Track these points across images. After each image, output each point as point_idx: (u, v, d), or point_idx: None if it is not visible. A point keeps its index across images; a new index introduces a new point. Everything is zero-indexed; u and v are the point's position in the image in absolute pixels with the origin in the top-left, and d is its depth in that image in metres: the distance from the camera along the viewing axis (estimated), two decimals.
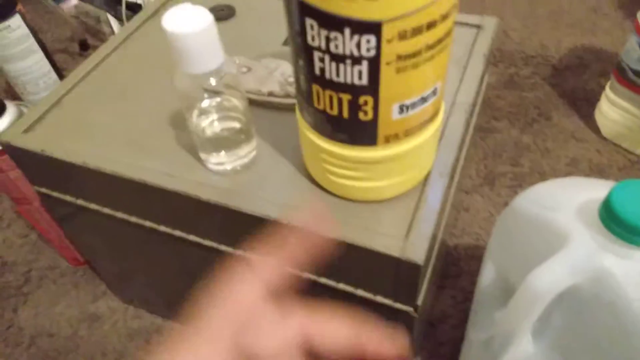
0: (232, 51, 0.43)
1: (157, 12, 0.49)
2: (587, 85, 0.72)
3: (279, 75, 0.39)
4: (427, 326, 0.50)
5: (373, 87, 0.25)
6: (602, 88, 0.65)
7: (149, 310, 0.54)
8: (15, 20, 0.63)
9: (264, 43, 0.43)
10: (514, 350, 0.34)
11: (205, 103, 0.32)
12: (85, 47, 0.85)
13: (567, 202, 0.33)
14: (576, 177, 0.44)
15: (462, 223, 0.58)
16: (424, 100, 0.26)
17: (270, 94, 0.38)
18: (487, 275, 0.40)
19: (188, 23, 0.27)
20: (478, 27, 0.42)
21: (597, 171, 0.62)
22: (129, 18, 0.73)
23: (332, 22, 0.23)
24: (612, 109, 0.62)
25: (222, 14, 0.47)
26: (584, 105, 0.69)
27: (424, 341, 0.49)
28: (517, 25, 0.84)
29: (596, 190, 0.32)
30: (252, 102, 0.39)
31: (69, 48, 0.87)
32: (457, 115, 0.36)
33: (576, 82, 0.73)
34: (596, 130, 0.66)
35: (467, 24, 0.42)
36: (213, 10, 0.48)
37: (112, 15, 0.75)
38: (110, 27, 0.78)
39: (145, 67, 0.43)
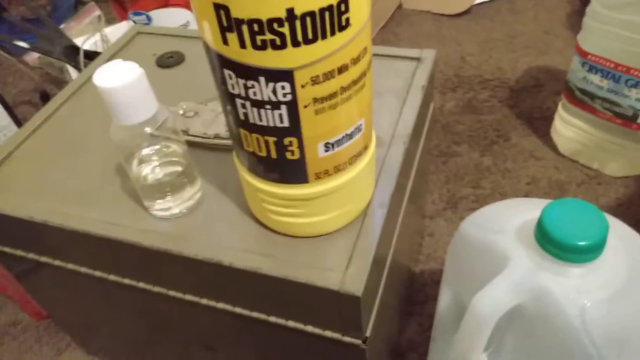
0: (181, 96, 0.44)
1: (110, 60, 0.50)
2: (543, 105, 0.75)
3: (224, 118, 0.40)
4: (394, 355, 0.50)
5: (295, 128, 0.25)
6: (557, 107, 0.67)
7: None
8: None
9: (211, 87, 0.44)
10: None
11: (145, 151, 0.32)
12: (45, 98, 0.86)
13: (507, 224, 0.34)
14: (519, 198, 0.45)
15: (426, 248, 0.59)
16: (349, 137, 0.27)
17: (216, 136, 0.39)
18: (444, 300, 0.41)
19: (117, 77, 0.28)
20: (417, 59, 0.44)
21: (557, 188, 0.63)
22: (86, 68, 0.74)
23: (248, 72, 0.24)
24: (566, 127, 0.64)
25: (172, 61, 0.48)
26: (541, 124, 0.71)
27: None
28: (474, 50, 0.87)
29: (535, 210, 0.33)
30: (199, 145, 0.39)
31: (33, 99, 0.88)
32: (397, 146, 0.37)
33: (533, 102, 0.75)
34: (554, 147, 0.68)
35: (406, 57, 0.44)
36: (163, 57, 0.49)
37: (72, 66, 0.76)
38: (70, 77, 0.79)
39: (96, 117, 0.44)
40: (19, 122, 0.71)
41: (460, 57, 0.86)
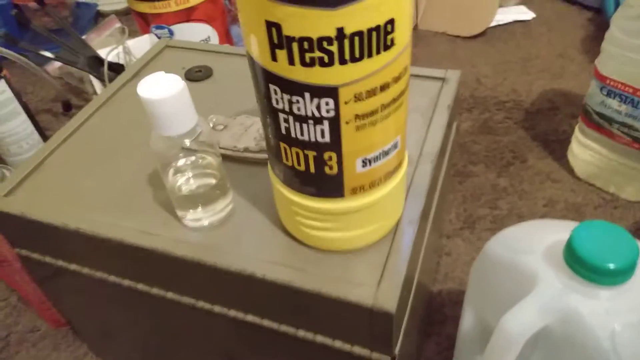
0: (210, 110, 0.45)
1: (139, 73, 0.51)
2: (559, 127, 0.75)
3: (254, 131, 0.41)
4: None
5: (335, 144, 0.26)
6: (573, 130, 0.67)
7: None
8: (1, 85, 0.65)
9: (239, 101, 0.45)
10: None
11: (181, 162, 0.33)
12: (68, 108, 0.87)
13: (535, 244, 0.34)
14: (544, 219, 0.45)
15: (444, 268, 0.59)
16: (385, 153, 0.28)
17: (246, 149, 0.40)
18: (467, 320, 0.41)
19: (161, 89, 0.29)
20: (442, 79, 0.44)
21: (574, 210, 0.63)
22: (111, 79, 0.75)
23: (293, 88, 0.24)
24: (582, 150, 0.65)
25: (200, 75, 0.49)
26: (557, 147, 0.72)
27: None
28: (488, 72, 0.88)
29: (562, 231, 0.33)
30: (229, 158, 0.40)
31: (53, 108, 0.89)
32: (424, 164, 0.37)
33: (548, 125, 0.76)
34: (570, 170, 0.68)
35: (432, 77, 0.45)
36: (191, 71, 0.50)
37: (95, 77, 0.77)
38: (93, 87, 0.81)
39: (126, 127, 0.45)
40: (41, 131, 0.72)
41: (475, 78, 0.87)
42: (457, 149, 0.73)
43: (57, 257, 0.40)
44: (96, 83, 0.79)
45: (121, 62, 0.81)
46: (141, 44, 0.82)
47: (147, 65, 0.52)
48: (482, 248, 0.57)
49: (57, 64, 0.91)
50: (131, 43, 0.84)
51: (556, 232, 0.34)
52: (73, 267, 0.40)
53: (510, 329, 0.31)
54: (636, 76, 0.54)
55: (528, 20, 1.00)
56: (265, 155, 0.39)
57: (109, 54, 0.76)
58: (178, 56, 0.53)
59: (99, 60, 0.79)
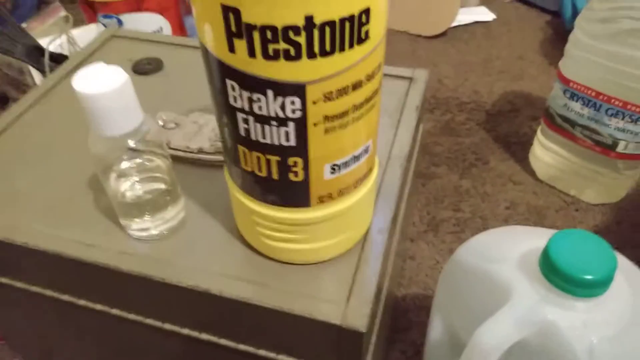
0: (159, 106, 0.41)
1: (80, 65, 0.47)
2: (520, 130, 0.75)
3: (208, 131, 0.37)
4: None
5: (301, 148, 0.23)
6: (534, 132, 0.67)
7: None
8: None
9: (192, 97, 0.42)
10: None
11: (125, 165, 0.29)
12: (5, 101, 0.80)
13: (508, 253, 0.33)
14: (515, 225, 0.44)
15: (409, 272, 0.57)
16: (356, 159, 0.25)
17: (200, 150, 0.36)
18: (436, 330, 0.39)
19: (100, 83, 0.25)
20: (410, 79, 0.42)
21: (535, 213, 0.63)
22: (52, 70, 0.70)
23: (254, 84, 0.21)
24: (544, 153, 0.65)
25: (149, 68, 0.45)
26: (518, 149, 0.72)
27: None
28: (450, 72, 0.87)
29: (535, 239, 0.32)
30: (180, 160, 0.36)
31: None
32: (394, 167, 0.35)
33: (509, 127, 0.76)
34: (531, 172, 0.68)
35: (399, 77, 0.43)
36: (139, 63, 0.46)
37: (35, 67, 0.71)
38: (33, 79, 0.74)
39: (65, 124, 0.40)
40: None
41: (437, 79, 0.86)
42: (420, 150, 0.71)
43: None
44: (36, 74, 0.73)
45: (65, 52, 0.75)
46: (87, 34, 0.77)
47: (92, 56, 0.48)
48: (448, 252, 0.56)
49: None
50: (76, 33, 0.78)
51: (528, 239, 0.33)
52: (3, 280, 0.36)
53: (485, 343, 0.29)
54: (599, 80, 0.54)
55: (489, 22, 1.00)
56: (221, 157, 0.36)
57: (50, 43, 0.71)
58: (125, 47, 0.49)
59: (40, 50, 0.73)
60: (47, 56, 0.69)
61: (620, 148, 0.56)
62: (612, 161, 0.58)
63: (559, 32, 0.96)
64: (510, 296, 0.30)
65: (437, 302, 0.40)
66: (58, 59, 0.71)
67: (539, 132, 0.65)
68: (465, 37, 0.97)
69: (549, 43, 0.94)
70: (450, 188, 0.66)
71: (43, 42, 0.74)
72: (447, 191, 0.66)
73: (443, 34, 0.96)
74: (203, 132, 0.38)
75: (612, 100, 0.54)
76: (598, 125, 0.57)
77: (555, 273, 0.28)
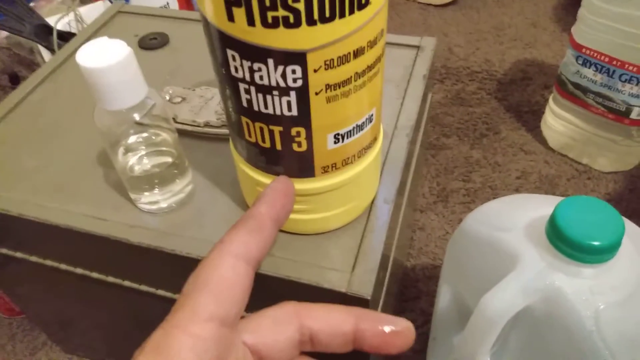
0: (166, 81, 0.41)
1: (88, 40, 0.47)
2: (532, 98, 0.74)
3: (215, 104, 0.38)
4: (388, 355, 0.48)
5: (304, 117, 0.23)
6: (546, 100, 0.66)
7: (93, 358, 0.51)
8: None
9: (199, 72, 0.42)
10: None
11: (132, 139, 0.30)
12: (15, 81, 0.81)
13: (515, 221, 0.33)
14: (523, 194, 0.43)
15: (418, 243, 0.57)
16: (359, 128, 0.25)
17: (206, 124, 0.36)
18: (444, 298, 0.39)
19: (104, 57, 0.25)
20: (417, 47, 0.42)
21: (547, 182, 0.62)
22: (61, 48, 0.70)
23: (254, 53, 0.21)
24: (556, 121, 0.64)
25: (155, 43, 0.45)
26: (530, 118, 0.71)
27: None
28: (461, 41, 0.86)
29: (543, 207, 0.32)
30: (187, 134, 0.37)
31: (1, 82, 0.83)
32: (400, 138, 0.35)
33: (521, 96, 0.74)
34: (543, 142, 0.67)
35: (406, 45, 0.42)
36: (145, 38, 0.46)
37: (44, 46, 0.72)
38: (42, 58, 0.75)
39: (73, 101, 0.41)
40: None
41: (447, 48, 0.84)
42: (430, 121, 0.71)
43: (1, 244, 0.37)
44: (45, 53, 0.73)
45: (73, 30, 0.75)
46: (94, 11, 0.77)
47: (98, 32, 0.48)
48: (457, 223, 0.56)
49: (4, 33, 0.84)
50: (84, 10, 0.78)
51: (537, 207, 0.33)
52: (19, 255, 0.37)
53: (492, 309, 0.30)
54: (613, 45, 0.53)
55: None
56: (227, 131, 0.36)
57: (58, 21, 0.71)
58: (131, 22, 0.49)
59: (48, 29, 0.73)
60: (55, 34, 0.69)
61: (634, 114, 0.55)
62: (625, 128, 0.57)
63: None
64: (517, 263, 0.30)
65: (445, 270, 0.40)
66: (66, 37, 0.71)
67: (550, 100, 0.64)
68: (477, 5, 0.94)
69: (563, 9, 0.91)
70: (461, 159, 0.66)
71: (51, 20, 0.74)
72: (457, 162, 0.65)
73: (454, 2, 0.94)
74: (209, 105, 0.38)
75: (626, 66, 0.53)
76: (611, 91, 0.55)
77: (561, 239, 0.28)
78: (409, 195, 0.42)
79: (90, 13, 0.77)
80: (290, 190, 0.25)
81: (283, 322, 0.22)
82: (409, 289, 0.54)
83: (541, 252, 0.30)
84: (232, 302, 0.21)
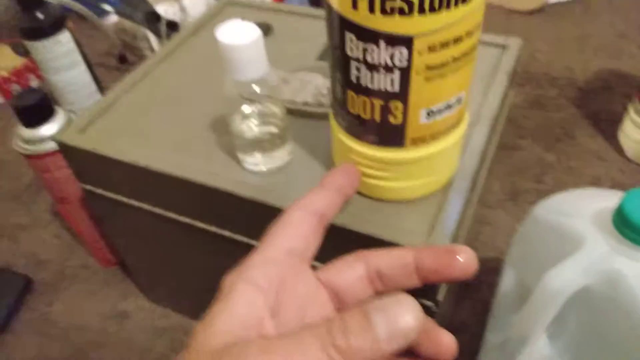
0: (271, 65, 0.47)
1: (199, 30, 0.53)
2: (611, 107, 0.74)
3: (312, 87, 0.42)
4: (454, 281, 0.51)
5: (403, 93, 0.27)
6: (626, 110, 0.66)
7: (175, 310, 0.57)
8: (65, 36, 0.68)
9: (298, 58, 0.47)
10: (529, 351, 0.36)
11: (248, 109, 0.35)
12: (123, 61, 0.90)
13: (583, 209, 0.35)
14: (592, 188, 0.45)
15: (485, 237, 0.60)
16: (449, 107, 0.29)
17: (305, 103, 0.41)
18: (507, 280, 0.42)
19: (239, 35, 0.30)
20: (503, 47, 0.45)
21: (619, 189, 0.62)
22: (167, 35, 0.78)
23: (370, 36, 0.25)
24: (635, 131, 0.64)
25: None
26: (608, 126, 0.71)
27: None
28: (543, 47, 0.86)
29: (611, 199, 0.34)
30: (288, 111, 0.42)
31: (106, 62, 0.92)
32: (481, 126, 0.38)
33: (601, 104, 0.74)
34: (620, 150, 0.67)
35: (493, 44, 0.45)
36: None
37: (152, 32, 0.80)
38: (149, 43, 0.83)
39: (187, 79, 0.47)
40: (97, 81, 0.76)
41: (530, 53, 0.85)
42: (506, 122, 0.72)
43: (120, 193, 0.43)
44: (152, 39, 0.82)
45: (177, 19, 0.83)
46: (196, 3, 0.84)
47: (210, 21, 0.54)
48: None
49: (112, 19, 0.94)
50: (187, 1, 0.86)
51: (605, 199, 0.35)
52: (134, 202, 0.43)
53: (553, 286, 0.32)
54: None
55: None
56: (323, 110, 0.41)
57: (166, 10, 0.79)
58: (238, 13, 0.55)
59: (157, 17, 0.81)
60: (164, 22, 0.77)
61: None
62: None
63: None
64: (581, 246, 0.33)
65: (510, 256, 0.43)
66: (171, 25, 0.79)
67: (630, 109, 0.64)
68: (563, 13, 0.94)
69: None
70: (534, 160, 0.67)
71: (159, 9, 0.82)
72: (530, 163, 0.67)
73: (539, 10, 0.95)
74: (307, 88, 0.43)
75: None
76: None
77: (627, 225, 0.31)
78: (480, 189, 0.45)
79: (193, 3, 0.84)
80: (353, 170, 0.31)
81: (351, 262, 0.27)
82: (472, 279, 0.56)
83: (606, 237, 0.32)
84: (298, 238, 0.26)
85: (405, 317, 0.20)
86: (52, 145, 0.48)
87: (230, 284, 0.24)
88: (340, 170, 0.31)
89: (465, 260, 0.25)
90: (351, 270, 0.27)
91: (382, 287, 0.27)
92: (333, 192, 0.29)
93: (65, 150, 0.43)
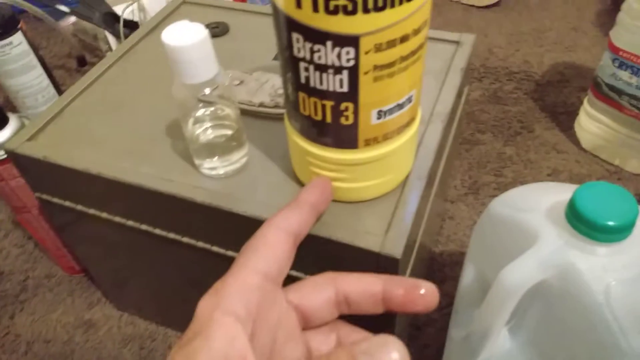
0: (226, 65, 0.46)
1: (154, 29, 0.52)
2: (567, 100, 0.76)
3: (269, 87, 0.42)
4: (411, 329, 0.52)
5: (353, 94, 0.27)
6: (582, 102, 0.68)
7: (143, 317, 0.56)
8: (17, 37, 0.66)
9: (255, 58, 0.46)
10: (490, 346, 0.36)
11: (200, 112, 0.34)
12: (82, 63, 0.88)
13: (537, 203, 0.35)
14: (547, 182, 0.46)
15: (447, 231, 0.60)
16: (400, 106, 0.29)
17: (261, 104, 0.41)
18: (467, 276, 0.43)
19: (185, 37, 0.30)
20: (457, 43, 0.45)
21: (577, 181, 0.64)
22: (125, 35, 0.76)
23: (316, 36, 0.25)
24: (590, 122, 0.65)
25: (217, 31, 0.50)
26: (564, 118, 0.73)
27: (409, 343, 0.51)
28: (501, 42, 0.88)
29: (565, 193, 0.35)
30: (244, 112, 0.41)
31: (66, 64, 0.90)
32: (435, 123, 0.38)
33: (557, 97, 0.76)
34: (576, 142, 0.69)
35: (446, 40, 0.45)
36: (208, 27, 0.50)
37: (110, 33, 0.78)
38: (108, 44, 0.81)
39: (142, 80, 0.46)
40: (56, 85, 0.73)
41: (487, 48, 0.86)
42: (465, 117, 0.73)
43: (76, 201, 0.42)
44: (111, 39, 0.80)
45: (135, 19, 0.81)
46: (155, 2, 0.82)
47: (164, 21, 0.53)
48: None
49: (71, 20, 0.92)
50: (146, 1, 0.84)
51: (559, 193, 0.35)
52: (92, 211, 0.42)
53: (510, 281, 0.33)
54: None
55: None
56: (279, 111, 0.41)
57: (124, 10, 0.77)
58: (195, 12, 0.54)
59: (115, 17, 0.79)
60: (121, 22, 0.75)
61: None
62: None
63: (618, 2, 0.93)
64: (536, 241, 0.33)
65: (470, 252, 0.43)
66: (130, 25, 0.77)
67: (585, 102, 0.66)
68: (519, 8, 0.96)
69: (606, 14, 0.92)
70: (494, 154, 0.68)
71: (117, 9, 0.80)
72: (490, 157, 0.68)
73: (496, 4, 0.96)
74: (264, 88, 0.42)
75: None
76: None
77: (579, 219, 0.31)
78: (440, 184, 0.45)
79: (151, 3, 0.82)
80: (327, 186, 0.31)
81: (321, 285, 0.27)
82: (436, 273, 0.57)
83: (559, 231, 0.33)
84: (274, 261, 0.26)
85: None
86: (3, 153, 0.46)
87: (208, 314, 0.23)
88: (316, 186, 0.30)
89: (429, 297, 0.27)
90: (320, 294, 0.27)
91: (348, 311, 0.28)
92: (308, 210, 0.29)
93: (15, 158, 0.41)
